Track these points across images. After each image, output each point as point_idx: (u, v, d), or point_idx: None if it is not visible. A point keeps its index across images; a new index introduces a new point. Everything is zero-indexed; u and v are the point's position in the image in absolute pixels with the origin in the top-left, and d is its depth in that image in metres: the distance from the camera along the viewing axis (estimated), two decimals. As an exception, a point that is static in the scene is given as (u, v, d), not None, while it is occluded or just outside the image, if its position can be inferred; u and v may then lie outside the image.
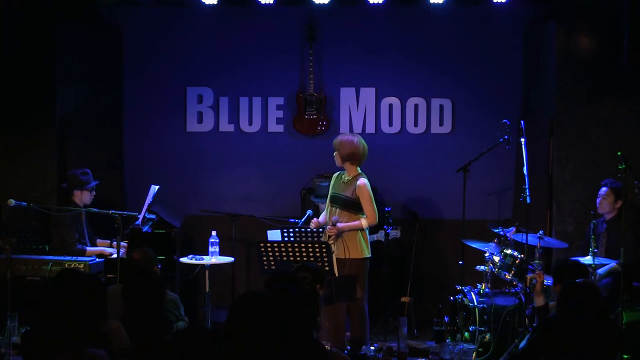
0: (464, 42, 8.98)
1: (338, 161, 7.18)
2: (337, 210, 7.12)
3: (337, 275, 6.79)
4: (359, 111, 9.08)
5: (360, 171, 7.13)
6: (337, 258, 6.90)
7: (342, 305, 7.01)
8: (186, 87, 9.14)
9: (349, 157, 7.10)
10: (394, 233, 8.16)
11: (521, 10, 8.83)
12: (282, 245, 6.73)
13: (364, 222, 7.00)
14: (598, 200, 7.55)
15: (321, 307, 5.94)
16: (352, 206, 7.04)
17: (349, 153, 7.10)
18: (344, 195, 7.09)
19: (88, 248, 7.76)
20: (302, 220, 7.71)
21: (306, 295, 5.29)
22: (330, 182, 8.32)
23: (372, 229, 8.34)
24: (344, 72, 9.06)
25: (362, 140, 7.15)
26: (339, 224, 7.02)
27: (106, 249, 7.83)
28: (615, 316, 6.68)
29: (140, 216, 7.81)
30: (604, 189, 7.52)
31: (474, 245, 7.67)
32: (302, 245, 6.69)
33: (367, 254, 7.06)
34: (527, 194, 7.10)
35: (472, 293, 7.31)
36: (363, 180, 7.06)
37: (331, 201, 7.20)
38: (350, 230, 7.00)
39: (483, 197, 8.87)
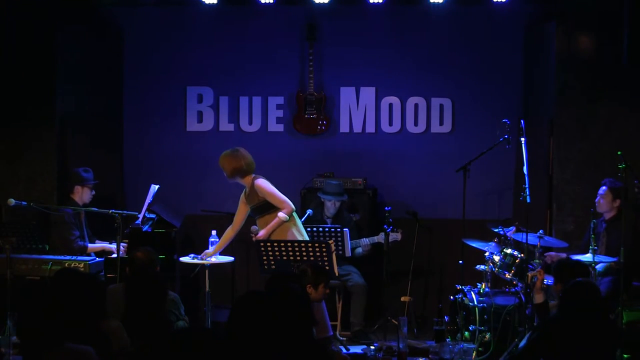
0: (464, 42, 8.97)
1: (228, 178, 7.28)
2: (258, 219, 7.23)
3: (336, 274, 6.79)
4: (359, 111, 9.08)
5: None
6: None
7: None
8: (186, 87, 9.15)
9: (235, 172, 7.21)
10: (395, 236, 8.15)
11: (521, 10, 8.83)
12: (282, 244, 6.74)
13: (281, 215, 7.07)
14: (597, 199, 7.56)
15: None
16: (265, 209, 7.14)
17: (234, 168, 7.20)
18: (253, 205, 7.22)
19: (90, 245, 7.76)
20: (302, 220, 7.71)
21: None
22: (335, 180, 8.40)
23: (373, 231, 8.37)
24: (344, 71, 9.05)
25: (242, 150, 7.23)
26: (260, 233, 7.11)
27: (108, 245, 7.84)
28: (615, 316, 6.68)
29: (140, 216, 7.82)
30: (603, 188, 7.53)
31: (474, 245, 7.67)
32: (302, 244, 6.70)
33: None
34: (527, 193, 7.10)
35: (472, 292, 7.31)
36: (258, 180, 7.18)
37: (252, 215, 7.34)
38: (274, 230, 7.06)
39: (483, 197, 8.86)
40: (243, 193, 7.40)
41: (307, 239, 7.18)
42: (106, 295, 5.22)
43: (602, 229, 7.50)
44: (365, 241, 8.23)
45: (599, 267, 7.12)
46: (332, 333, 6.73)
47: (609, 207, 7.49)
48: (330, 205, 8.30)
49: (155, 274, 5.75)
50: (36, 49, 8.38)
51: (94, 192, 7.94)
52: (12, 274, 6.75)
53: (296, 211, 7.33)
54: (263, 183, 7.14)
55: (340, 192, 8.31)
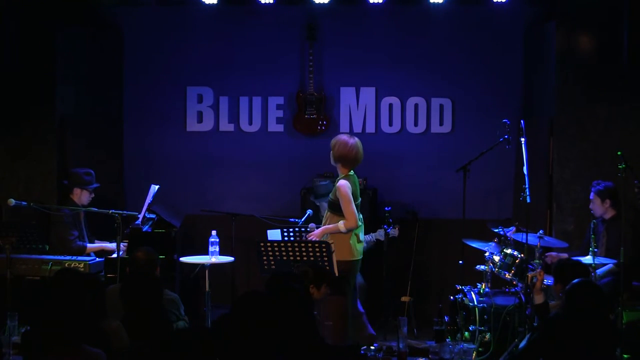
0: (464, 42, 8.98)
1: (331, 160, 7.16)
2: (327, 212, 7.15)
3: (336, 274, 6.79)
4: (359, 111, 9.08)
5: (351, 173, 7.10)
6: None
7: (343, 303, 6.99)
8: (186, 87, 9.15)
9: (340, 159, 7.06)
10: (393, 232, 8.16)
11: (521, 10, 8.83)
12: (282, 244, 6.73)
13: (341, 225, 6.91)
14: (590, 206, 7.58)
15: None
16: (334, 207, 7.01)
17: (341, 154, 7.05)
18: (330, 197, 7.11)
19: (88, 245, 7.76)
20: (302, 219, 7.72)
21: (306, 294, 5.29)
22: (324, 181, 8.38)
23: (371, 228, 8.36)
24: (344, 72, 9.06)
25: (359, 144, 7.07)
26: (315, 231, 7.03)
27: (107, 245, 7.84)
28: (615, 316, 6.69)
29: (140, 216, 7.81)
30: (591, 193, 7.54)
31: (474, 245, 7.67)
32: (302, 244, 6.69)
33: (351, 257, 6.98)
34: (527, 193, 7.10)
35: (472, 293, 7.31)
36: (342, 182, 6.96)
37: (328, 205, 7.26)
38: (328, 233, 6.96)
39: (483, 197, 8.87)
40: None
41: (355, 256, 7.05)
42: (106, 296, 5.21)
43: (602, 229, 7.50)
44: (367, 237, 8.23)
45: (599, 271, 7.11)
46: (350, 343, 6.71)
47: (603, 210, 7.50)
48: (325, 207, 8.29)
49: (150, 275, 5.74)
50: (36, 49, 8.38)
51: (93, 195, 7.94)
52: (12, 274, 6.75)
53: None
54: (344, 187, 6.93)
55: (329, 192, 8.29)
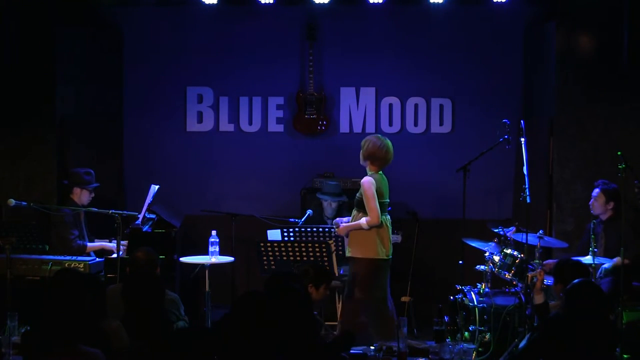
0: (464, 42, 8.99)
1: (360, 159, 7.13)
2: (354, 210, 7.12)
3: (336, 274, 6.80)
4: (359, 111, 9.09)
5: (380, 173, 7.07)
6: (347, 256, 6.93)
7: (355, 305, 6.97)
8: (186, 87, 9.15)
9: (370, 157, 7.04)
10: (395, 238, 8.14)
11: (521, 10, 8.84)
12: (282, 245, 6.74)
13: (363, 222, 6.89)
14: (590, 202, 7.56)
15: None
16: (359, 204, 7.00)
17: (370, 153, 7.03)
18: (357, 195, 7.09)
19: (89, 244, 7.77)
20: (302, 220, 7.71)
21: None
22: (334, 181, 8.38)
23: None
24: (344, 72, 9.06)
25: (389, 145, 7.05)
26: (341, 225, 7.01)
27: (107, 244, 7.84)
28: (615, 316, 6.68)
29: (140, 216, 7.81)
30: (596, 190, 7.52)
31: (474, 245, 7.67)
32: (302, 245, 6.70)
33: (375, 255, 6.93)
34: (527, 193, 7.09)
35: (472, 293, 7.31)
36: (365, 178, 6.97)
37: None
38: (354, 229, 6.95)
39: (483, 197, 8.87)
40: None
41: (379, 254, 7.00)
42: (106, 296, 5.21)
43: (600, 229, 7.49)
44: None
45: (606, 265, 7.11)
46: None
47: (603, 210, 7.48)
48: (327, 206, 8.29)
49: (152, 274, 5.74)
50: (36, 49, 8.37)
51: (93, 195, 7.94)
52: (12, 274, 6.74)
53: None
54: (367, 184, 6.92)
55: (337, 193, 8.30)
